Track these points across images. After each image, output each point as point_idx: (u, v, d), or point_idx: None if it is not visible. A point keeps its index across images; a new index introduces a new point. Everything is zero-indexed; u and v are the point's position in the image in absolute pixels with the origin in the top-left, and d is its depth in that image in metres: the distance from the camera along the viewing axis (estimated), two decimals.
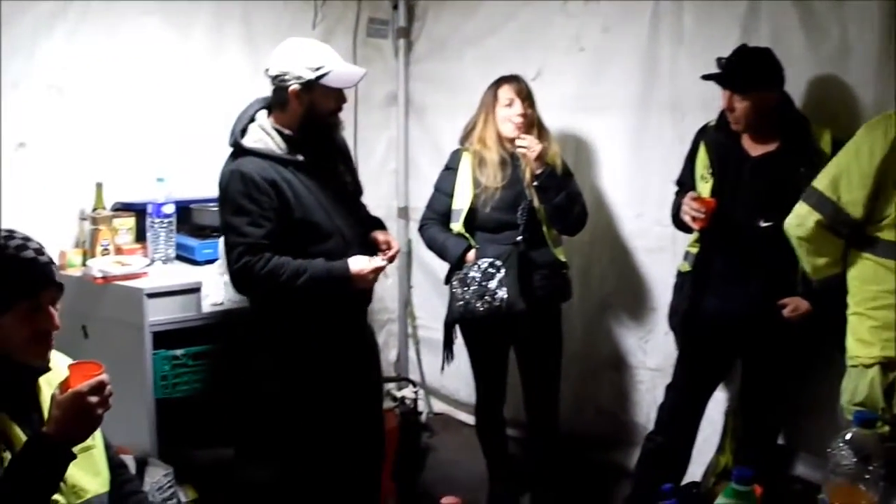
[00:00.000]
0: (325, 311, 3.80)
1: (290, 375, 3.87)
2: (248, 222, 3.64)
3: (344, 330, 3.92)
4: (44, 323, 2.55)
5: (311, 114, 3.74)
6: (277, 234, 3.66)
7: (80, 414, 2.42)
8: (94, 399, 2.42)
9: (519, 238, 4.35)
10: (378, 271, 3.80)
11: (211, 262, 4.52)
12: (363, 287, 3.82)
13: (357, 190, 4.07)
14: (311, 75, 3.68)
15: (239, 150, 3.77)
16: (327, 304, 3.78)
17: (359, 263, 3.73)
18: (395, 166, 6.03)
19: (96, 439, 2.76)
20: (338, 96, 3.78)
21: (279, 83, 3.74)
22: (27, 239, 2.60)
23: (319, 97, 3.73)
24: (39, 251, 2.59)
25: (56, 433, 2.41)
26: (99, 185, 4.63)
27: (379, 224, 4.16)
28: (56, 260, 3.03)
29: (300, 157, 3.77)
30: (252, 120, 3.82)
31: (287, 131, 3.78)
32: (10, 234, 2.59)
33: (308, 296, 3.68)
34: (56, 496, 2.53)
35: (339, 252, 3.76)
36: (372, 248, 3.95)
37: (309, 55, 3.71)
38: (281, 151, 3.75)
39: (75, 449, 2.61)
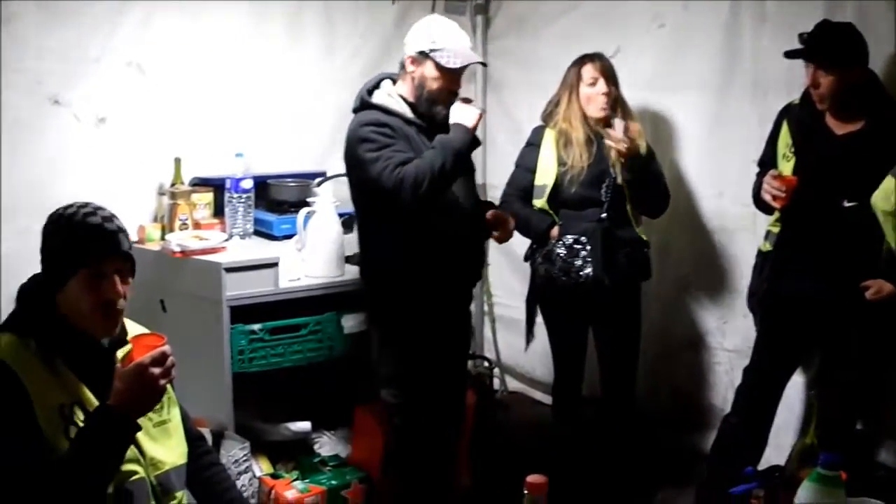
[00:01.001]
0: (437, 285, 3.95)
1: (399, 349, 3.99)
2: (390, 149, 3.75)
3: (452, 305, 4.11)
4: (107, 292, 2.55)
5: (422, 86, 3.89)
6: None
7: (143, 386, 2.42)
8: (156, 370, 2.42)
9: (603, 215, 4.32)
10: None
11: (289, 237, 4.55)
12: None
13: (471, 166, 4.16)
14: (425, 47, 3.84)
15: (363, 108, 3.92)
16: (440, 278, 3.94)
17: (463, 116, 3.87)
18: None
19: (171, 413, 2.78)
20: (448, 77, 3.90)
21: (404, 52, 3.92)
22: (99, 208, 2.62)
23: (429, 71, 3.87)
24: (108, 219, 2.60)
25: (119, 405, 2.41)
26: (177, 161, 4.67)
27: (491, 205, 4.31)
28: (134, 234, 3.05)
29: (421, 122, 3.91)
30: (377, 87, 3.98)
31: (410, 98, 3.93)
32: (85, 205, 2.62)
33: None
34: (136, 467, 2.56)
35: (452, 215, 3.91)
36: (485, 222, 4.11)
37: (432, 30, 3.91)
38: (404, 112, 3.90)
39: (151, 424, 2.64)
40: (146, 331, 2.76)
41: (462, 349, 4.35)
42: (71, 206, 2.62)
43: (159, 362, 2.44)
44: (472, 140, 3.86)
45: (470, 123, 3.85)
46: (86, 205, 2.62)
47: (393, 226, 3.86)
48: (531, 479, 2.09)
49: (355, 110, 3.95)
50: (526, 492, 2.08)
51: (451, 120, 3.86)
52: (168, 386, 2.64)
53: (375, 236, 3.98)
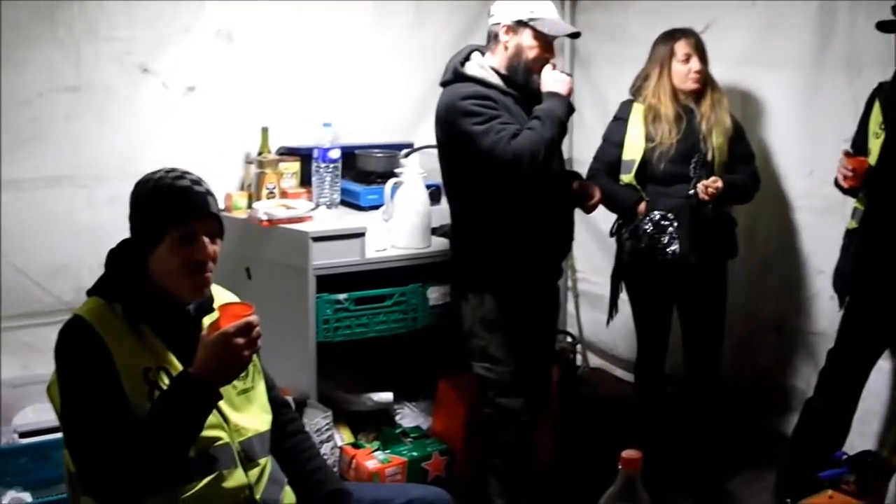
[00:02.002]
0: (532, 257, 3.97)
1: (493, 322, 3.98)
2: (498, 122, 3.73)
3: (545, 279, 4.13)
4: (196, 253, 2.57)
5: (518, 56, 3.88)
6: None
7: (227, 355, 2.43)
8: (240, 341, 2.43)
9: (691, 191, 4.29)
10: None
11: (375, 208, 4.58)
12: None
13: None
14: (523, 16, 3.83)
15: (458, 80, 3.89)
16: (535, 250, 3.96)
17: (557, 84, 3.87)
18: None
19: (255, 381, 2.80)
20: (545, 46, 3.90)
21: (495, 21, 3.92)
22: (187, 172, 2.66)
23: (526, 40, 3.86)
24: (196, 182, 2.64)
25: (202, 373, 2.43)
26: (265, 130, 4.70)
27: (577, 175, 4.32)
28: (221, 202, 3.06)
29: (516, 93, 3.90)
30: (467, 59, 3.96)
31: (502, 70, 3.92)
32: (172, 169, 2.66)
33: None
34: (220, 433, 2.59)
35: (546, 187, 3.89)
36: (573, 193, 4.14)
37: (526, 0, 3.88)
38: (500, 83, 3.90)
39: (235, 392, 2.67)
40: (235, 299, 2.78)
41: (551, 324, 4.35)
42: (158, 171, 2.66)
43: (245, 333, 2.44)
44: (569, 107, 3.86)
45: (564, 90, 3.84)
46: (173, 169, 2.66)
47: (490, 199, 3.86)
48: (626, 454, 2.05)
49: (446, 83, 3.93)
50: (620, 467, 2.05)
51: (544, 88, 3.85)
52: (254, 355, 2.66)
53: (470, 209, 3.98)
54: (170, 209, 2.56)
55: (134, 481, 2.38)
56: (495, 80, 3.89)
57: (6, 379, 4.21)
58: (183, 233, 2.55)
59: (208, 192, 2.65)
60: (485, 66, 3.92)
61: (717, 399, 4.63)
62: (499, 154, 3.66)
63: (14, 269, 4.28)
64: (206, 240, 2.59)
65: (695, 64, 4.31)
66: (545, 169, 3.76)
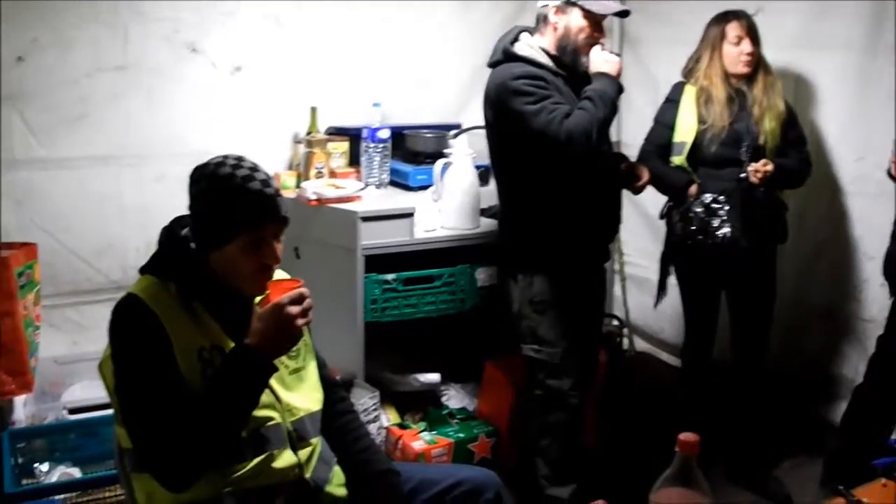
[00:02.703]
0: (581, 239, 3.96)
1: (543, 304, 3.96)
2: (550, 101, 3.71)
3: (593, 260, 4.11)
4: (266, 257, 2.56)
5: (567, 37, 3.85)
6: None
7: (281, 325, 2.43)
8: (294, 310, 2.43)
9: (743, 175, 4.23)
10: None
11: (424, 188, 4.57)
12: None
13: None
14: None
15: (508, 60, 3.86)
16: (584, 231, 3.95)
17: (606, 65, 3.84)
18: None
19: (307, 360, 2.80)
20: (595, 26, 3.86)
21: (544, 3, 3.88)
22: (255, 169, 2.59)
23: (575, 20, 3.82)
24: (266, 182, 2.57)
25: (257, 344, 2.43)
26: (313, 110, 4.69)
27: (623, 157, 4.28)
28: None
29: (565, 73, 3.88)
30: (516, 40, 3.93)
31: (551, 51, 3.89)
32: (238, 163, 2.58)
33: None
34: (272, 413, 2.59)
35: (592, 166, 3.84)
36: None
37: None
38: (550, 64, 3.87)
39: (287, 371, 2.68)
40: (285, 275, 2.78)
41: (598, 307, 4.34)
42: (223, 163, 2.58)
43: (297, 302, 2.45)
44: (618, 87, 3.83)
45: (613, 71, 3.82)
46: (238, 163, 2.58)
47: (538, 180, 3.85)
48: (684, 436, 2.04)
49: (496, 63, 3.90)
50: (677, 449, 2.04)
51: (593, 69, 3.83)
52: (306, 334, 2.66)
53: (519, 190, 3.96)
54: (242, 215, 2.52)
55: (192, 456, 2.38)
56: (546, 60, 3.85)
57: (55, 356, 4.24)
58: (254, 238, 2.53)
59: (277, 193, 2.60)
60: (534, 47, 3.88)
61: (764, 385, 4.59)
62: (552, 134, 3.64)
63: (63, 247, 4.32)
64: (275, 242, 2.59)
65: (746, 46, 4.26)
66: (596, 149, 3.74)
